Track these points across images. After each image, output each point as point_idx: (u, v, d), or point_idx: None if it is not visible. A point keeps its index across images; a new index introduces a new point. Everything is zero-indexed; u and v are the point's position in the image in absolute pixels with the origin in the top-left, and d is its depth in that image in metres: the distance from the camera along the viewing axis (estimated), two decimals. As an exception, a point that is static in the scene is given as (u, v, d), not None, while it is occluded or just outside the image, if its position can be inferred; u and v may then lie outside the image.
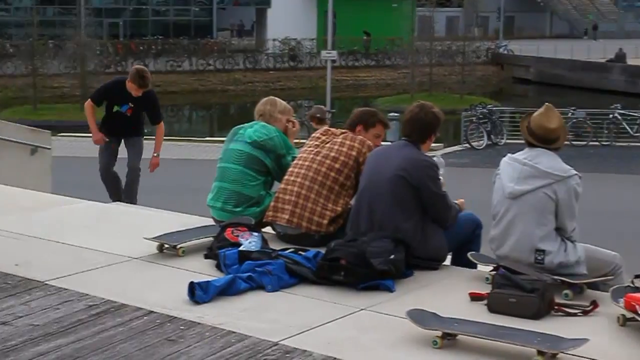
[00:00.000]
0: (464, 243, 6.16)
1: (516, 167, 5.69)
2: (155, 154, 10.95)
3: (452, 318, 4.76)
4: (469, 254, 6.00)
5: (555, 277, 5.50)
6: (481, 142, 27.82)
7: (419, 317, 4.73)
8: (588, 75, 52.43)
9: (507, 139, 27.58)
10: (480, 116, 28.51)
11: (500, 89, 54.27)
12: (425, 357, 4.46)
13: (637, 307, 4.73)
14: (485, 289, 5.35)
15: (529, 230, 5.59)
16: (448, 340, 4.59)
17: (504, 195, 5.71)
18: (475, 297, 5.33)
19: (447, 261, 6.26)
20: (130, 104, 10.44)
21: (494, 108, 30.02)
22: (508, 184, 5.69)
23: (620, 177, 22.44)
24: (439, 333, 4.57)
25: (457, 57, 49.33)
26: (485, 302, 5.20)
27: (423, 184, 5.90)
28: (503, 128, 28.36)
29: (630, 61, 53.54)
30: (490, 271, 5.73)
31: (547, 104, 5.84)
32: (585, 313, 5.11)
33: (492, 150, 25.61)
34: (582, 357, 4.39)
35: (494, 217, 5.83)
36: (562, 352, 4.36)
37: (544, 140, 5.70)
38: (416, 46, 48.33)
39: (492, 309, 5.11)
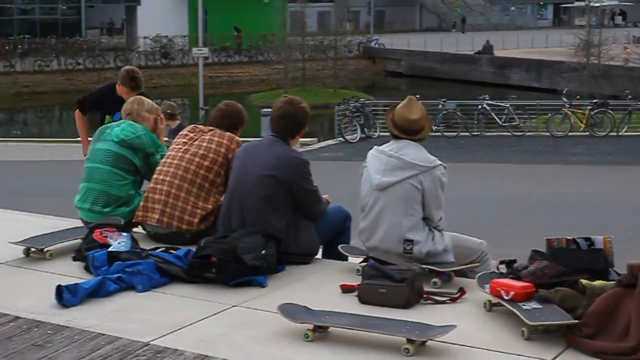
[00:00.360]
0: (334, 236, 6.22)
1: (382, 159, 5.76)
2: None
3: (323, 311, 4.80)
4: (339, 247, 6.06)
5: (424, 266, 5.61)
6: (355, 135, 28.07)
7: (290, 311, 4.74)
8: (457, 67, 53.60)
9: (380, 132, 27.88)
10: (353, 110, 28.78)
11: (372, 83, 54.96)
12: (297, 350, 4.47)
13: (502, 292, 4.85)
14: (356, 281, 5.41)
15: (397, 221, 5.67)
16: (319, 333, 4.62)
17: (371, 187, 5.78)
18: (346, 289, 5.38)
19: (319, 255, 6.30)
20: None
21: (367, 101, 30.30)
22: (375, 175, 5.75)
23: (490, 166, 22.98)
24: (311, 326, 4.60)
25: (329, 52, 49.76)
26: (356, 293, 5.26)
27: (295, 182, 5.92)
28: (376, 121, 28.66)
29: (497, 53, 54.93)
30: (361, 263, 5.79)
31: (410, 96, 5.93)
32: (453, 300, 5.22)
33: (366, 143, 25.84)
34: (449, 343, 4.48)
35: (362, 209, 5.88)
36: (430, 339, 4.44)
37: (407, 131, 5.79)
38: (288, 41, 48.49)
39: (363, 300, 5.18)
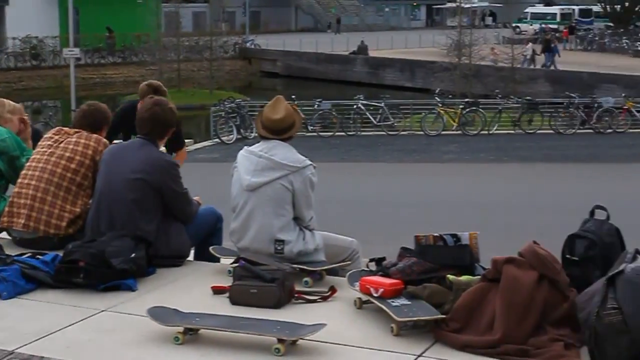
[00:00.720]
0: (205, 237, 6.18)
1: (252, 160, 5.76)
2: None
3: (193, 313, 4.77)
4: (210, 248, 6.03)
5: (295, 265, 5.63)
6: (231, 136, 28.01)
7: (159, 314, 4.69)
8: (333, 68, 54.00)
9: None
10: (229, 110, 28.69)
11: (249, 83, 54.96)
12: (166, 353, 4.43)
13: (371, 289, 4.90)
14: (227, 282, 5.39)
15: (268, 221, 5.68)
16: (190, 335, 4.59)
17: (242, 188, 5.77)
18: (217, 291, 5.36)
19: (190, 257, 6.25)
20: None
21: (243, 102, 30.23)
22: (245, 176, 5.74)
23: (366, 165, 23.24)
24: (181, 329, 4.56)
25: (205, 53, 49.46)
26: (227, 294, 5.24)
27: (165, 185, 5.86)
28: (252, 122, 28.60)
29: (372, 53, 55.54)
30: (232, 264, 5.77)
31: (277, 96, 5.94)
32: (325, 299, 5.25)
33: (242, 144, 25.23)
34: (320, 341, 4.50)
35: (233, 209, 5.87)
36: (301, 339, 4.45)
37: (274, 131, 5.80)
38: (163, 42, 48.10)
39: (234, 301, 5.16)
